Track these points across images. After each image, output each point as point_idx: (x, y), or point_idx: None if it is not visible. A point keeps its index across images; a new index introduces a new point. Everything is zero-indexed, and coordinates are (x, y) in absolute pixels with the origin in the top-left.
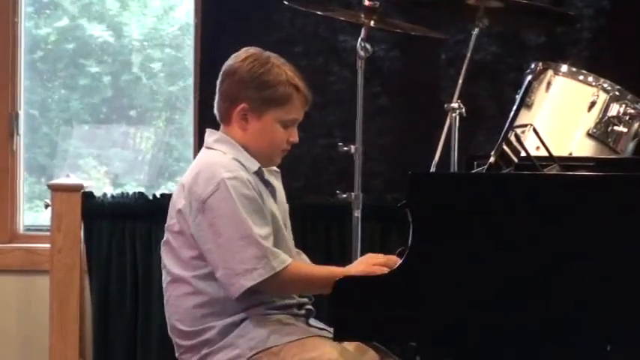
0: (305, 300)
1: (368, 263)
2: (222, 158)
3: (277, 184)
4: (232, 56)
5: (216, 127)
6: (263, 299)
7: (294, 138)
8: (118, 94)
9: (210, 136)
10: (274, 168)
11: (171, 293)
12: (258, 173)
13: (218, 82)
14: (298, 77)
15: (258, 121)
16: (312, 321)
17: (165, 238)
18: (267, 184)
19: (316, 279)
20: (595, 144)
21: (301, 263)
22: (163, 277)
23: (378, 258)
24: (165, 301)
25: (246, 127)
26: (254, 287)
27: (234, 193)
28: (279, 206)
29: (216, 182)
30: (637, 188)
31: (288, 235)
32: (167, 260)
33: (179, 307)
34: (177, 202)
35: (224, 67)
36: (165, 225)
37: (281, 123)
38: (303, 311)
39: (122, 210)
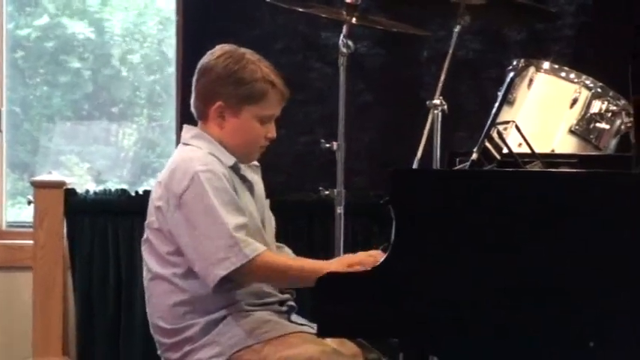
0: (287, 296)
1: (342, 262)
2: (198, 153)
3: (257, 178)
4: (207, 53)
5: (197, 123)
6: (244, 296)
7: (272, 134)
8: (99, 90)
9: (187, 132)
10: (254, 162)
11: (153, 291)
12: (234, 168)
13: (194, 80)
14: (274, 73)
15: (235, 118)
16: (294, 317)
17: (145, 236)
18: (245, 179)
19: (291, 269)
20: (577, 141)
21: (275, 254)
22: (144, 275)
23: (354, 257)
24: (146, 299)
25: (224, 124)
26: (229, 276)
27: (207, 186)
28: (257, 201)
29: (190, 177)
30: (619, 185)
31: (268, 229)
32: (147, 258)
33: (160, 304)
34: (155, 200)
35: (199, 65)
36: (145, 222)
37: (258, 119)
38: (284, 308)
39: (104, 206)
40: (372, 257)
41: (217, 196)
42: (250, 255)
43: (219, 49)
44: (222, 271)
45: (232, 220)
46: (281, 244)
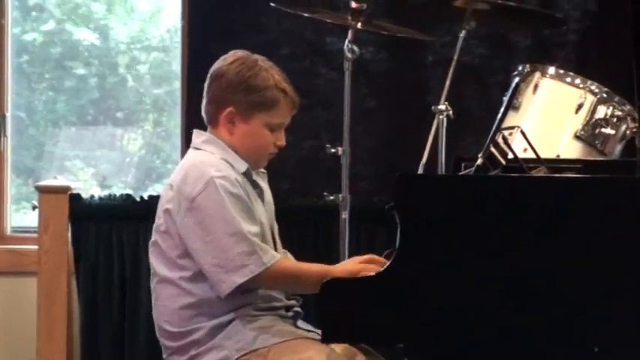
0: (293, 302)
1: (355, 261)
2: (211, 158)
3: (264, 185)
4: (220, 59)
5: (202, 128)
6: (251, 300)
7: (282, 142)
8: (104, 96)
9: (197, 136)
10: (261, 169)
11: (159, 294)
12: (247, 174)
13: (205, 85)
14: (286, 81)
15: (245, 124)
16: (299, 323)
17: (152, 239)
18: (256, 185)
19: (306, 275)
20: (582, 146)
21: (290, 260)
22: (151, 278)
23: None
24: (153, 303)
25: (234, 130)
26: (245, 284)
27: (222, 192)
28: (267, 207)
29: (205, 181)
30: (624, 190)
31: (275, 235)
32: (155, 261)
33: (167, 308)
34: (165, 202)
35: (211, 70)
36: (154, 226)
37: (268, 127)
38: (291, 313)
39: (109, 212)
40: (377, 260)
41: (234, 203)
42: (268, 263)
43: (232, 54)
44: (239, 279)
45: (249, 227)
46: (285, 250)
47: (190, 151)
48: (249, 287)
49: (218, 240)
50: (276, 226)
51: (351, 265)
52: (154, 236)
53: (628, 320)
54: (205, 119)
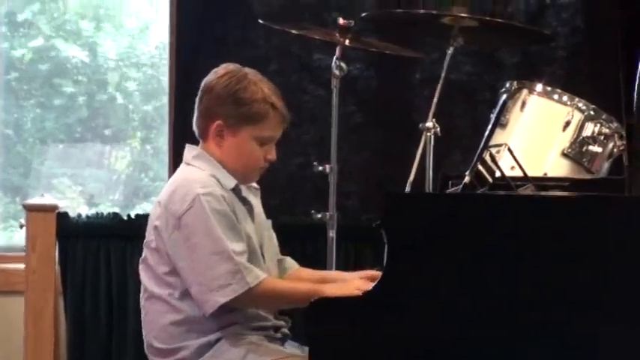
0: (281, 323)
1: (349, 287)
2: (199, 174)
3: (256, 201)
4: (211, 72)
5: (191, 144)
6: (238, 319)
7: (272, 156)
8: (93, 113)
9: (189, 152)
10: (254, 185)
11: (148, 310)
12: (235, 190)
13: (197, 98)
14: (276, 95)
15: (233, 137)
16: (287, 345)
17: (143, 255)
18: (245, 201)
19: (291, 296)
20: (570, 164)
21: (276, 279)
22: (141, 294)
23: (357, 283)
24: (142, 318)
25: (222, 143)
26: (228, 303)
27: (208, 209)
28: (257, 225)
29: (192, 198)
30: (611, 209)
31: (268, 250)
32: (145, 277)
33: (156, 324)
34: (155, 219)
35: (203, 83)
36: (144, 242)
37: (257, 140)
38: (279, 334)
39: (97, 230)
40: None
41: (219, 221)
42: (252, 283)
43: (223, 68)
44: (222, 298)
45: (234, 246)
46: (283, 257)
47: (181, 166)
48: (236, 307)
49: (203, 259)
50: (273, 239)
51: (346, 287)
52: (145, 252)
53: (615, 339)
54: (197, 133)
